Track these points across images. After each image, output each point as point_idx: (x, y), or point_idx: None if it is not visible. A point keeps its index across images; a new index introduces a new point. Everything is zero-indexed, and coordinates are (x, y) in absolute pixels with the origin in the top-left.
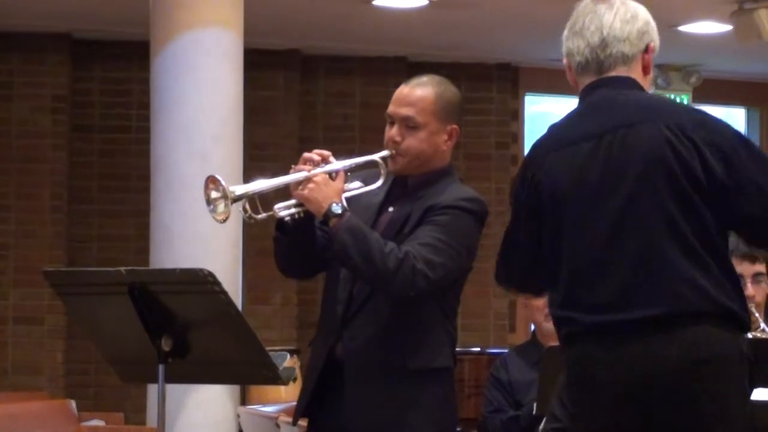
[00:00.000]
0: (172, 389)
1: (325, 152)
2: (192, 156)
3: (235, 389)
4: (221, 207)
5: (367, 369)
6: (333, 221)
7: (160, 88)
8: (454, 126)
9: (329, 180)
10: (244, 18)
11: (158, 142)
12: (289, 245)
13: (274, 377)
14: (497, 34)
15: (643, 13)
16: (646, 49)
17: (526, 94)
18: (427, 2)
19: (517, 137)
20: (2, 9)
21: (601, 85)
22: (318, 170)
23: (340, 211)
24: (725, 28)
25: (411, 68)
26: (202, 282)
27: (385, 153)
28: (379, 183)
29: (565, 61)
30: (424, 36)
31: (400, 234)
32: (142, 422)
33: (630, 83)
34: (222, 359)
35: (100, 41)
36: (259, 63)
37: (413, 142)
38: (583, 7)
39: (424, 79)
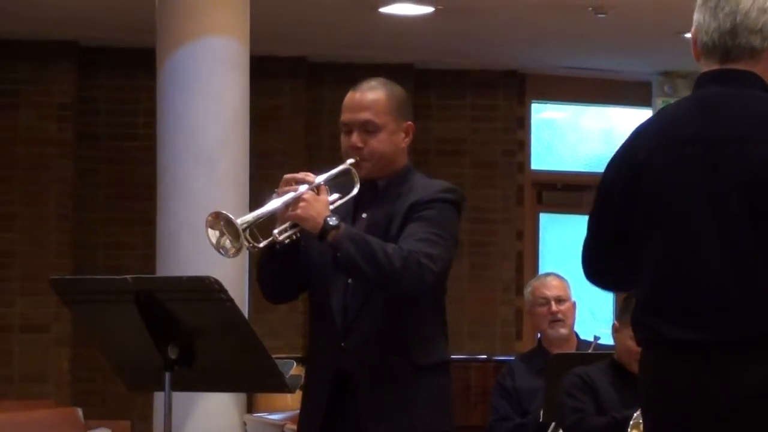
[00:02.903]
0: (179, 397)
1: (307, 174)
2: (198, 164)
3: (241, 397)
4: (228, 243)
5: (376, 374)
6: (332, 234)
7: (167, 96)
8: (409, 123)
9: (317, 196)
10: (250, 26)
11: (164, 150)
12: (280, 268)
13: (280, 385)
14: (504, 41)
15: None
16: None
17: (533, 101)
18: (434, 10)
19: (524, 145)
20: (9, 17)
21: (720, 79)
22: (303, 188)
23: (336, 223)
24: None
25: (418, 76)
26: (208, 290)
27: (350, 161)
28: (355, 191)
29: (692, 31)
30: (430, 43)
31: (387, 235)
32: (149, 430)
33: (752, 81)
34: (228, 367)
35: (106, 49)
36: (266, 71)
37: (375, 144)
38: None
39: (372, 83)
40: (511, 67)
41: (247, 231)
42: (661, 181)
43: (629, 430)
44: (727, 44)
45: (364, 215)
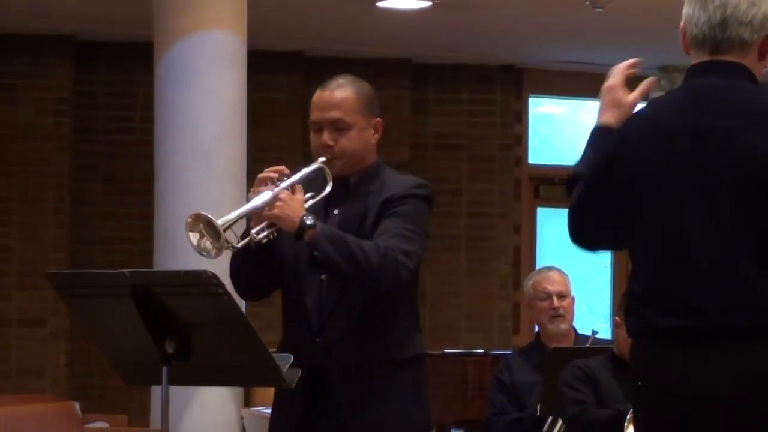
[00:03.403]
0: (176, 391)
1: (281, 168)
2: (195, 159)
3: (238, 391)
4: (209, 244)
5: (353, 369)
6: (309, 233)
7: (164, 91)
8: (378, 119)
9: (292, 195)
10: (247, 20)
11: (162, 145)
12: (256, 267)
13: (277, 379)
14: (501, 35)
15: None
16: (767, 36)
17: (530, 95)
18: (431, 4)
19: (521, 139)
20: (6, 11)
21: (709, 70)
22: (279, 188)
23: (312, 222)
24: None
25: (415, 70)
26: (205, 284)
27: (321, 159)
28: (328, 188)
29: (681, 24)
30: (428, 38)
31: (361, 231)
32: (146, 424)
33: (741, 72)
34: (226, 361)
35: (104, 43)
36: (263, 65)
37: (346, 142)
38: None
39: (341, 80)
40: (509, 61)
41: (228, 231)
42: (652, 174)
43: (626, 424)
44: (717, 36)
45: (335, 212)
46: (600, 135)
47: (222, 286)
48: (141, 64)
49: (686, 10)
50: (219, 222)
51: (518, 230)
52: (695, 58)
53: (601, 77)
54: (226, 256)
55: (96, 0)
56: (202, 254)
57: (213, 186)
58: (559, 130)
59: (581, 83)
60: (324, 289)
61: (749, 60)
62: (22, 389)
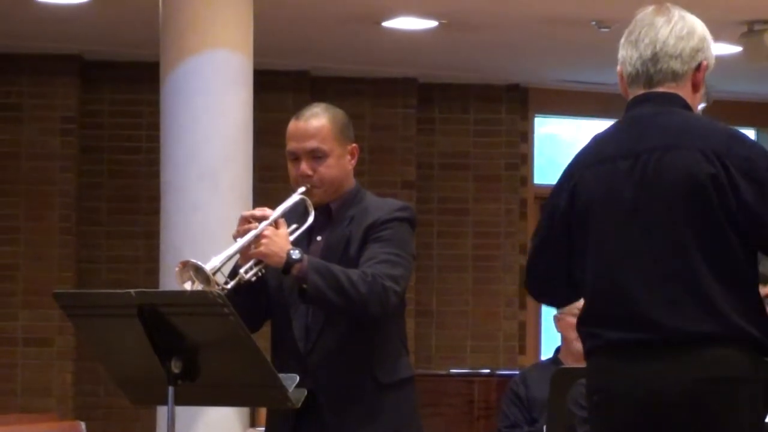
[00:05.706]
0: (182, 411)
1: (263, 210)
2: (202, 178)
3: (244, 411)
4: (200, 289)
5: (340, 392)
6: (296, 267)
7: (170, 110)
8: (354, 145)
9: (277, 231)
10: (253, 39)
11: (168, 164)
12: (246, 304)
13: (283, 399)
14: (507, 55)
15: (701, 30)
16: (698, 67)
17: (536, 115)
18: (437, 24)
19: (527, 158)
20: (12, 31)
21: (646, 100)
22: (263, 225)
23: (299, 256)
24: (735, 49)
25: (421, 89)
26: (211, 304)
27: (301, 190)
28: (311, 219)
29: (618, 68)
30: (434, 57)
31: (345, 257)
32: None
33: (675, 101)
34: (231, 381)
35: (109, 63)
36: (269, 84)
37: (325, 171)
38: (642, 17)
39: (315, 109)
40: (514, 81)
41: (216, 274)
42: (593, 196)
43: None
44: (650, 70)
45: (318, 238)
46: None
47: (228, 305)
48: (147, 84)
49: (621, 53)
50: (207, 267)
51: (524, 250)
52: (632, 94)
53: (608, 97)
54: None
55: (101, 19)
56: None
57: (219, 205)
58: (565, 149)
59: (587, 103)
60: (311, 315)
61: (683, 91)
62: (28, 408)
